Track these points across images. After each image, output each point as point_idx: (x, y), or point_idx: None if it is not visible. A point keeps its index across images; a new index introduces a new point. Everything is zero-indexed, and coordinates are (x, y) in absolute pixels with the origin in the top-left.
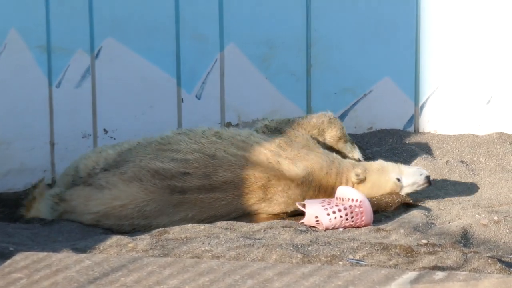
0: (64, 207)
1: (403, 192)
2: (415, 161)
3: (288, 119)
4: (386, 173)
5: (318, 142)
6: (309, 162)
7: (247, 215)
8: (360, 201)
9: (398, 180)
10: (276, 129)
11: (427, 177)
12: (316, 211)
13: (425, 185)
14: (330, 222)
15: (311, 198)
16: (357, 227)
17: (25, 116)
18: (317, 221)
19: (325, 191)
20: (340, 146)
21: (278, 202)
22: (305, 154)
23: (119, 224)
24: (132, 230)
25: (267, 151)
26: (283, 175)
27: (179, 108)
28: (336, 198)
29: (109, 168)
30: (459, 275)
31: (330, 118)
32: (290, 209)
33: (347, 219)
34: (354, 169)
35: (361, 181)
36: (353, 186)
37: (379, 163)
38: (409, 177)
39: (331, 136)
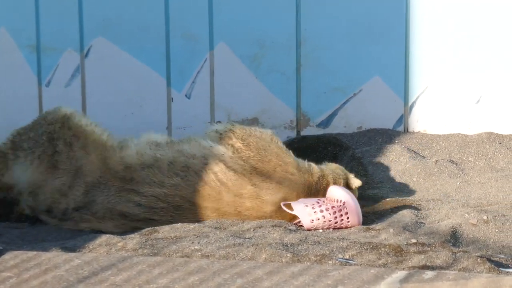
0: None
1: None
2: (405, 160)
3: (249, 127)
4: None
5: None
6: (282, 194)
7: None
8: (344, 202)
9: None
10: (243, 139)
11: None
12: (298, 212)
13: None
14: (312, 223)
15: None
16: (344, 228)
17: (14, 115)
18: (300, 221)
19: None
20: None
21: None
22: (277, 184)
23: None
24: None
25: (236, 199)
26: (252, 217)
27: (169, 107)
28: (326, 198)
29: (79, 209)
30: (449, 274)
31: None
32: None
33: (330, 220)
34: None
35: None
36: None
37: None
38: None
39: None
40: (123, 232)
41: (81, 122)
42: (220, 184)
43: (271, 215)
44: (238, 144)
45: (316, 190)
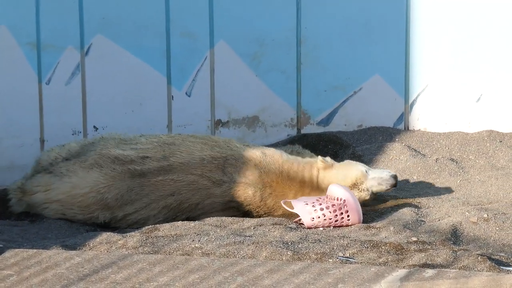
0: (27, 200)
1: (369, 184)
2: (405, 158)
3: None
4: (355, 164)
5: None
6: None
7: (212, 199)
8: (344, 200)
9: (365, 171)
10: None
11: (394, 176)
12: (299, 210)
13: (390, 181)
14: (312, 221)
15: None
16: (344, 226)
17: (15, 113)
18: (300, 219)
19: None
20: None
21: (231, 190)
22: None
23: (85, 215)
24: (103, 223)
25: (226, 141)
26: (243, 155)
27: (169, 105)
28: (327, 196)
29: (70, 157)
30: (449, 272)
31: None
32: (249, 193)
33: (330, 218)
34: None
35: (328, 166)
36: (318, 172)
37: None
38: (376, 172)
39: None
40: (110, 184)
41: None
42: (209, 137)
43: (259, 178)
44: None
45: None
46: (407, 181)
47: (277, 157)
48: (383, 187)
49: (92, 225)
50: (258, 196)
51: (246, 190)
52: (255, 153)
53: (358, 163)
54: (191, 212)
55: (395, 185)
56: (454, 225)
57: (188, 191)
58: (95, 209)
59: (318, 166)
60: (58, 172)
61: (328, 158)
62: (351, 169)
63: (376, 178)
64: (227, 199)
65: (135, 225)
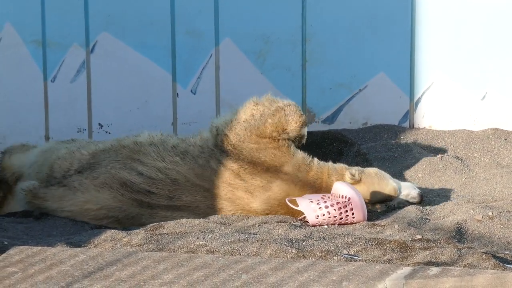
0: (38, 204)
1: (396, 201)
2: (410, 156)
3: (245, 129)
4: (384, 178)
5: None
6: (271, 193)
7: None
8: (349, 198)
9: (397, 189)
10: (235, 146)
11: (420, 193)
12: (303, 208)
13: (417, 198)
14: (317, 219)
15: None
16: (349, 223)
17: (20, 110)
18: (305, 217)
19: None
20: (303, 131)
21: None
22: (267, 183)
23: (96, 222)
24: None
25: (225, 185)
26: (243, 209)
27: (174, 103)
28: (331, 193)
29: (83, 170)
30: (453, 270)
31: (284, 111)
32: None
33: (335, 216)
34: (349, 169)
35: (356, 181)
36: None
37: (375, 169)
38: (405, 187)
39: (291, 129)
40: (120, 206)
41: None
42: (211, 170)
43: (262, 213)
44: (229, 147)
45: (313, 188)
46: (412, 179)
47: (282, 200)
48: (409, 203)
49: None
50: None
51: None
52: (256, 208)
53: (385, 175)
54: None
55: (420, 203)
56: (459, 223)
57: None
58: (107, 223)
59: (347, 181)
60: (72, 185)
61: (355, 171)
62: (383, 186)
63: (405, 194)
64: None
65: None
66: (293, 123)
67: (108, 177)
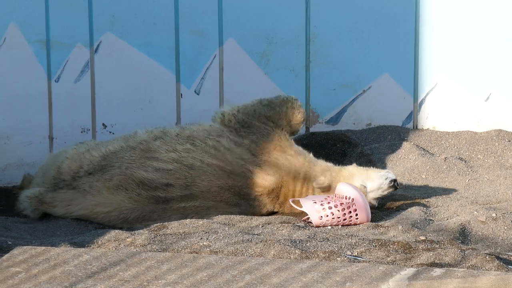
0: (44, 210)
1: (369, 197)
2: (414, 157)
3: (254, 109)
4: (352, 179)
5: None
6: (279, 168)
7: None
8: (353, 199)
9: (364, 186)
10: (245, 122)
11: (392, 181)
12: (307, 208)
13: (390, 189)
14: (320, 219)
15: (280, 204)
16: (353, 224)
17: (24, 110)
18: (308, 217)
19: (293, 197)
20: (301, 127)
21: (249, 209)
22: (275, 159)
23: (104, 223)
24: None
25: (239, 160)
26: (255, 183)
27: (178, 103)
28: (335, 194)
29: (94, 172)
30: (457, 272)
31: (291, 103)
32: (263, 212)
33: (338, 217)
34: (318, 177)
35: (325, 189)
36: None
37: (350, 169)
38: (374, 181)
39: (296, 122)
40: (134, 207)
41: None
42: (223, 148)
43: (275, 185)
44: (237, 125)
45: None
46: (415, 180)
47: (286, 179)
48: (384, 194)
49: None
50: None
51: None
52: (269, 182)
53: (358, 172)
54: None
55: (396, 188)
56: (463, 224)
57: (207, 214)
58: (115, 224)
59: (315, 188)
60: (81, 188)
61: (323, 178)
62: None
63: (375, 189)
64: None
65: None
66: (299, 117)
67: (124, 178)
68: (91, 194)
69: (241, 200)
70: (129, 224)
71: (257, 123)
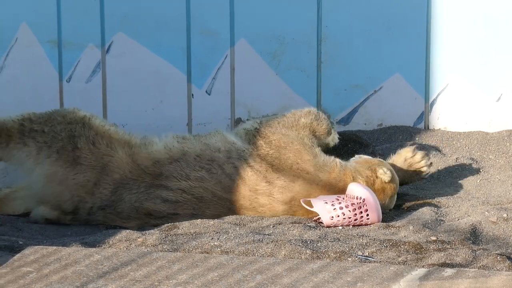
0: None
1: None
2: None
3: (275, 120)
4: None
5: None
6: (293, 194)
7: None
8: (364, 199)
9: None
10: (267, 136)
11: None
12: (318, 209)
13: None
14: (331, 220)
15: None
16: (364, 225)
17: (35, 110)
18: (319, 218)
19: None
20: (329, 138)
21: None
22: (290, 182)
23: None
24: None
25: (250, 193)
26: (265, 214)
27: (189, 103)
28: (346, 195)
29: (105, 208)
30: (468, 272)
31: (315, 115)
32: None
33: (349, 217)
34: (381, 167)
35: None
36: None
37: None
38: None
39: (320, 133)
40: (142, 228)
41: (102, 123)
42: (238, 177)
43: (283, 213)
44: (260, 141)
45: (333, 188)
46: (426, 180)
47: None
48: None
49: None
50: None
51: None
52: (279, 210)
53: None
54: None
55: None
56: (474, 225)
57: None
58: None
59: (384, 180)
60: (96, 220)
61: (387, 171)
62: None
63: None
64: None
65: None
66: (324, 127)
67: (132, 210)
68: (106, 223)
69: None
70: None
71: (278, 136)
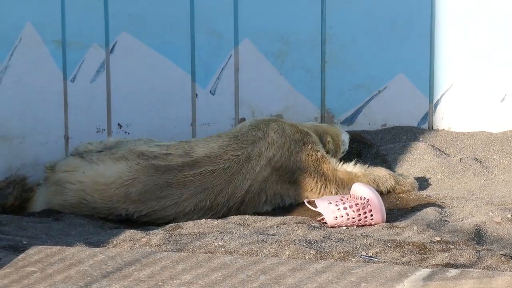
0: (52, 178)
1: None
2: (429, 158)
3: None
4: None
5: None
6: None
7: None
8: (368, 199)
9: None
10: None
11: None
12: (322, 209)
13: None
14: (335, 220)
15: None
16: (368, 225)
17: (39, 110)
18: (323, 218)
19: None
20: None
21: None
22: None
23: (105, 204)
24: (126, 217)
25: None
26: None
27: (193, 103)
28: (350, 195)
29: (103, 150)
30: (472, 272)
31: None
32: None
33: (353, 218)
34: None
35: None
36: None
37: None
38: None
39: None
40: (134, 177)
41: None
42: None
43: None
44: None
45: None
46: (430, 180)
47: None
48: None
49: (116, 222)
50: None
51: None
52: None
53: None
54: (230, 201)
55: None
56: (478, 225)
57: (212, 181)
58: (117, 201)
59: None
60: (89, 159)
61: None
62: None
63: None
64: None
65: (162, 221)
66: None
67: (127, 152)
68: (95, 163)
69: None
70: (133, 204)
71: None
